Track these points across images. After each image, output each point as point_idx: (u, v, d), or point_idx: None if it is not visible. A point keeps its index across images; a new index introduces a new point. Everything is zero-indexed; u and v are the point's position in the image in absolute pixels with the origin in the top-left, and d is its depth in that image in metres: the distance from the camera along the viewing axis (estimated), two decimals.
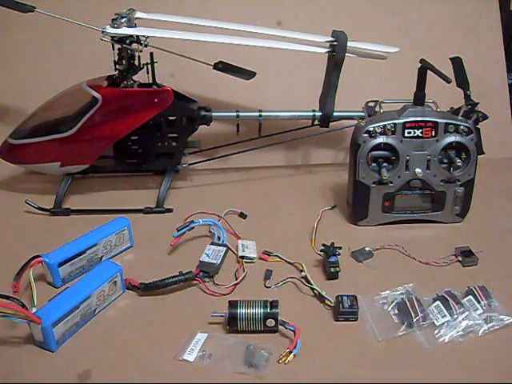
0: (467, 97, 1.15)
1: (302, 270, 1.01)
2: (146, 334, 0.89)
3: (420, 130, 1.10)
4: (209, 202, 1.26)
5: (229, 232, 1.15)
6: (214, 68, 1.27)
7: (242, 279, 1.01)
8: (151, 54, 1.23)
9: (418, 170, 1.12)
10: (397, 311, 0.92)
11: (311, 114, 1.33)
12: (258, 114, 1.32)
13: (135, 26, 1.19)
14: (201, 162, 1.37)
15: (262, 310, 0.87)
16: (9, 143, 1.24)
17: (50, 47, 1.47)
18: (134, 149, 1.31)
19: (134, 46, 1.20)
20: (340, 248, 1.03)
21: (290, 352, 0.83)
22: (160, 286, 0.96)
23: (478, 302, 0.92)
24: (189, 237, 1.12)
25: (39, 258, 0.95)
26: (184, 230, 1.07)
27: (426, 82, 1.10)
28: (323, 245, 1.04)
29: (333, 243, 1.04)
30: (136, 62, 1.25)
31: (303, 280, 1.00)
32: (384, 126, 1.10)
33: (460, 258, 1.06)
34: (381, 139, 1.11)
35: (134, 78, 1.26)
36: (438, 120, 1.10)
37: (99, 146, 1.24)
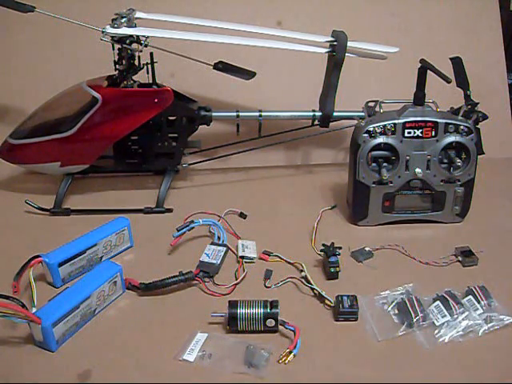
0: (467, 97, 1.15)
1: (302, 270, 1.02)
2: (146, 334, 0.89)
3: (420, 130, 1.10)
4: (209, 202, 1.26)
5: (229, 232, 1.15)
6: (213, 68, 1.27)
7: (242, 279, 1.01)
8: (151, 54, 1.23)
9: (418, 170, 1.12)
10: (397, 311, 0.92)
11: (311, 114, 1.33)
12: (258, 114, 1.32)
13: (135, 26, 1.19)
14: (201, 161, 1.37)
15: (261, 310, 0.87)
16: (9, 143, 1.24)
17: (50, 47, 1.47)
18: (134, 149, 1.31)
19: (134, 46, 1.20)
20: (340, 248, 1.03)
21: (290, 352, 0.83)
22: (160, 286, 0.96)
23: (478, 302, 0.92)
24: (189, 237, 1.12)
25: (39, 258, 0.95)
26: (184, 230, 1.07)
27: (426, 82, 1.10)
28: (323, 245, 1.04)
29: (333, 243, 1.04)
30: (136, 62, 1.25)
31: (303, 280, 1.00)
32: (384, 126, 1.10)
33: (460, 258, 1.06)
34: (381, 139, 1.11)
35: (134, 77, 1.26)
36: (438, 120, 1.10)
37: (99, 146, 1.24)
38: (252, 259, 1.06)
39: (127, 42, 1.18)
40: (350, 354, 0.85)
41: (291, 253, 1.07)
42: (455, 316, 0.89)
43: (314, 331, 0.88)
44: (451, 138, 1.11)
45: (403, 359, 0.84)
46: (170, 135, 1.29)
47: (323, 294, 0.95)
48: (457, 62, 1.16)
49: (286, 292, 0.98)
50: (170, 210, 1.26)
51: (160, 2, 1.46)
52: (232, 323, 0.87)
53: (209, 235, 1.15)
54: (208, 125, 1.32)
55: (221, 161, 1.40)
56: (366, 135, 1.11)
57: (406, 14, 1.57)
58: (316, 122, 1.35)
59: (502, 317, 0.90)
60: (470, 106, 1.14)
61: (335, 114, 1.32)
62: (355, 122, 1.17)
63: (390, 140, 1.11)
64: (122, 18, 1.17)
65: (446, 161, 1.14)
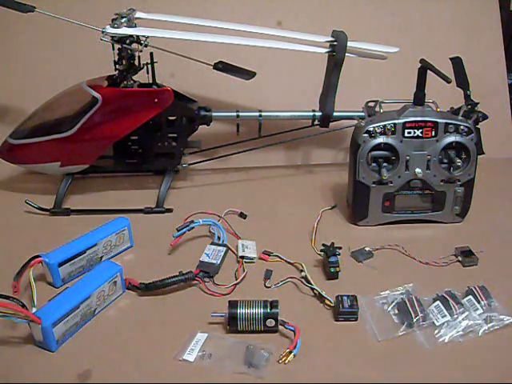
0: (467, 97, 1.15)
1: (302, 270, 1.02)
2: (146, 334, 0.89)
3: (420, 130, 1.10)
4: (209, 202, 1.26)
5: (229, 232, 1.15)
6: (213, 68, 1.27)
7: (242, 279, 1.01)
8: (151, 54, 1.23)
9: (417, 170, 1.12)
10: (397, 311, 0.92)
11: (311, 114, 1.33)
12: (258, 114, 1.32)
13: (135, 26, 1.19)
14: (201, 161, 1.37)
15: (261, 310, 0.87)
16: (9, 143, 1.24)
17: (50, 47, 1.47)
18: (134, 149, 1.31)
19: (134, 46, 1.20)
20: (340, 248, 1.03)
21: (290, 352, 0.83)
22: (160, 286, 0.96)
23: (478, 302, 0.92)
24: (189, 237, 1.12)
25: (39, 258, 0.95)
26: (184, 230, 1.07)
27: (426, 82, 1.10)
28: (323, 245, 1.04)
29: (333, 243, 1.04)
30: (136, 62, 1.25)
31: (303, 280, 1.00)
32: (384, 126, 1.10)
33: (460, 258, 1.06)
34: (381, 139, 1.11)
35: (134, 77, 1.26)
36: (438, 120, 1.10)
37: (99, 145, 1.24)
38: (252, 259, 1.06)
39: (127, 42, 1.18)
40: (349, 354, 0.85)
41: (291, 253, 1.07)
42: (455, 316, 0.89)
43: (314, 331, 0.88)
44: (451, 138, 1.11)
45: (403, 359, 0.84)
46: (170, 135, 1.29)
47: (323, 294, 0.95)
48: (457, 62, 1.16)
49: (286, 292, 0.98)
50: (170, 210, 1.26)
51: (160, 2, 1.46)
52: (232, 323, 0.87)
53: (209, 235, 1.15)
54: (208, 125, 1.32)
55: (221, 161, 1.40)
56: (365, 135, 1.11)
57: (406, 14, 1.57)
58: (316, 122, 1.35)
59: (502, 317, 0.90)
60: (470, 106, 1.14)
61: (335, 114, 1.32)
62: (355, 121, 1.16)
63: (389, 140, 1.11)
64: (122, 17, 1.17)
65: (445, 161, 1.14)
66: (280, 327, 0.88)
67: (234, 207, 1.24)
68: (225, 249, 1.08)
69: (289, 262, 1.05)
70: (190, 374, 0.81)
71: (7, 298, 0.83)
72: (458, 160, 1.11)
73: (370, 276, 1.02)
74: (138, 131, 1.25)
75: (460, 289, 0.95)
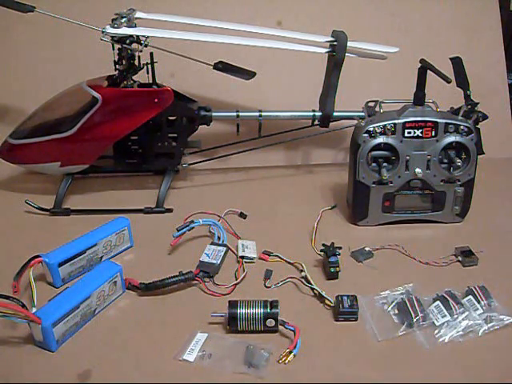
0: (467, 97, 1.15)
1: (302, 270, 1.02)
2: (146, 334, 0.89)
3: (420, 130, 1.10)
4: (209, 202, 1.26)
5: (229, 232, 1.15)
6: (213, 68, 1.27)
7: (242, 279, 1.00)
8: (151, 54, 1.23)
9: (418, 170, 1.12)
10: (397, 311, 0.92)
11: (311, 114, 1.33)
12: (258, 114, 1.32)
13: (135, 26, 1.19)
14: (201, 161, 1.37)
15: (261, 310, 0.87)
16: (9, 143, 1.24)
17: (50, 47, 1.47)
18: (134, 149, 1.31)
19: (134, 46, 1.20)
20: (340, 248, 1.03)
21: (290, 352, 0.83)
22: (160, 286, 0.96)
23: (478, 302, 0.92)
24: (189, 237, 1.12)
25: (39, 258, 0.95)
26: (184, 229, 1.07)
27: (426, 82, 1.10)
28: (323, 245, 1.04)
29: (333, 243, 1.04)
30: (136, 62, 1.24)
31: (303, 280, 1.00)
32: (384, 126, 1.10)
33: (460, 258, 1.06)
34: (381, 139, 1.11)
35: (134, 77, 1.26)
36: (438, 120, 1.10)
37: (99, 146, 1.24)
38: (252, 259, 1.06)
39: (127, 42, 1.18)
40: (349, 354, 0.85)
41: (291, 253, 1.07)
42: (455, 316, 0.89)
43: (314, 331, 0.88)
44: (451, 138, 1.11)
45: (403, 359, 0.84)
46: (170, 135, 1.29)
47: (323, 294, 0.95)
48: (457, 62, 1.16)
49: (286, 292, 0.98)
50: (170, 210, 1.26)
51: (160, 2, 1.46)
52: (232, 323, 0.87)
53: (209, 235, 1.15)
54: (208, 125, 1.32)
55: (221, 161, 1.40)
56: (366, 135, 1.11)
57: (406, 14, 1.57)
58: (316, 122, 1.35)
59: (502, 317, 0.90)
60: (469, 106, 1.14)
61: (335, 114, 1.32)
62: (355, 121, 1.16)
63: (389, 140, 1.11)
64: (122, 17, 1.17)
65: (446, 161, 1.14)
66: (280, 327, 0.88)
67: (234, 207, 1.24)
68: (225, 249, 1.08)
69: (289, 262, 1.05)
70: (190, 373, 0.81)
71: (7, 297, 0.83)
72: (458, 160, 1.11)
73: (370, 276, 1.02)
74: (138, 131, 1.25)
75: (460, 289, 0.95)
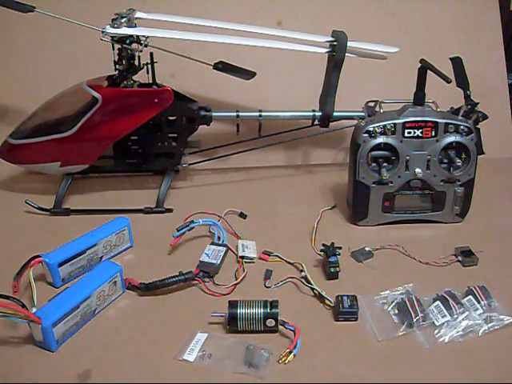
0: (467, 97, 1.15)
1: (302, 270, 1.02)
2: (146, 334, 0.89)
3: (420, 130, 1.10)
4: (209, 202, 1.26)
5: (229, 232, 1.15)
6: (213, 68, 1.27)
7: (242, 279, 1.01)
8: (151, 54, 1.23)
9: (418, 170, 1.12)
10: (397, 311, 0.92)
11: (311, 114, 1.33)
12: (258, 114, 1.32)
13: (135, 26, 1.19)
14: (201, 161, 1.37)
15: (261, 310, 0.87)
16: (9, 143, 1.24)
17: (50, 47, 1.47)
18: (134, 149, 1.31)
19: (134, 46, 1.20)
20: (340, 248, 1.03)
21: (290, 352, 0.83)
22: (160, 286, 0.96)
23: (478, 302, 0.92)
24: (189, 237, 1.12)
25: (39, 258, 0.95)
26: (184, 229, 1.07)
27: (426, 82, 1.10)
28: (323, 245, 1.04)
29: (333, 243, 1.04)
30: (136, 62, 1.24)
31: (303, 280, 1.00)
32: (384, 126, 1.10)
33: (460, 258, 1.06)
34: (381, 139, 1.11)
35: (134, 77, 1.26)
36: (438, 120, 1.10)
37: (99, 146, 1.24)
38: (252, 259, 1.06)
39: (127, 41, 1.18)
40: (350, 354, 0.85)
41: (291, 253, 1.07)
42: (455, 316, 0.89)
43: (314, 331, 0.88)
44: (451, 138, 1.11)
45: (403, 359, 0.84)
46: (170, 135, 1.29)
47: (323, 294, 0.95)
48: (457, 62, 1.16)
49: (286, 292, 0.98)
50: (170, 210, 1.26)
51: (160, 2, 1.46)
52: (232, 323, 0.87)
53: (209, 235, 1.15)
54: (208, 125, 1.32)
55: (221, 161, 1.40)
56: (366, 135, 1.11)
57: (406, 14, 1.57)
58: (316, 122, 1.35)
59: (502, 317, 0.90)
60: (469, 106, 1.14)
61: (335, 114, 1.32)
62: (355, 121, 1.17)
63: (390, 140, 1.11)
64: (122, 17, 1.17)
65: (446, 161, 1.14)
66: (280, 327, 0.88)
67: (234, 207, 1.24)
68: (225, 249, 1.08)
69: (289, 262, 1.05)
70: (190, 373, 0.81)
71: (7, 297, 0.83)
72: (458, 160, 1.11)
73: (370, 276, 1.02)
74: (138, 131, 1.25)
75: (460, 289, 0.95)
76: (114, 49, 1.20)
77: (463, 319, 0.89)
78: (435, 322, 0.89)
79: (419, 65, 1.09)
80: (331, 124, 1.35)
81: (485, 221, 1.20)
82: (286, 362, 0.82)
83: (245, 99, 1.47)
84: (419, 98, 1.11)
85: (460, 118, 1.12)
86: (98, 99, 1.19)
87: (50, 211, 1.24)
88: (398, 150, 1.11)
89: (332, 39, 1.25)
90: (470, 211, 1.18)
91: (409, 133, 1.11)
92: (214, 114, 1.30)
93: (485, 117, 1.16)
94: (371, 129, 1.11)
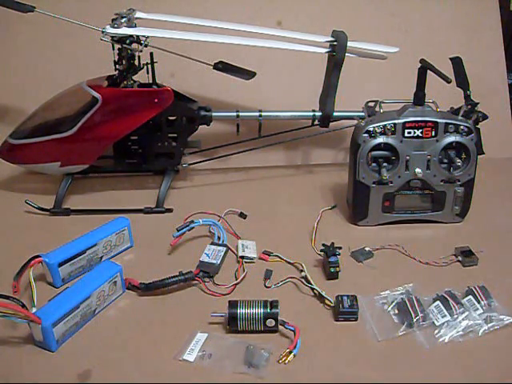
0: (467, 97, 1.15)
1: (302, 270, 1.02)
2: (146, 334, 0.89)
3: (420, 130, 1.10)
4: (209, 202, 1.26)
5: (229, 232, 1.15)
6: (213, 68, 1.27)
7: (242, 279, 1.00)
8: (151, 54, 1.23)
9: (418, 170, 1.12)
10: (397, 311, 0.92)
11: (311, 114, 1.33)
12: (258, 114, 1.32)
13: (135, 26, 1.19)
14: (201, 161, 1.37)
15: (261, 310, 0.87)
16: (9, 143, 1.24)
17: (50, 47, 1.47)
18: (134, 149, 1.31)
19: (134, 46, 1.20)
20: (340, 248, 1.03)
21: (290, 352, 0.83)
22: (160, 286, 0.96)
23: (478, 302, 0.92)
24: (189, 237, 1.12)
25: (39, 258, 0.95)
26: (184, 229, 1.07)
27: (426, 82, 1.10)
28: (323, 245, 1.04)
29: (333, 243, 1.04)
30: (136, 62, 1.24)
31: (303, 280, 1.00)
32: (384, 126, 1.10)
33: (460, 258, 1.06)
34: (381, 139, 1.11)
35: (134, 77, 1.26)
36: (438, 120, 1.10)
37: (99, 146, 1.24)
38: (252, 259, 1.06)
39: (127, 41, 1.18)
40: (350, 354, 0.85)
41: (291, 253, 1.07)
42: (455, 316, 0.89)
43: (314, 331, 0.88)
44: (451, 138, 1.11)
45: (403, 359, 0.84)
46: (170, 135, 1.29)
47: (323, 294, 0.95)
48: (457, 62, 1.16)
49: (286, 292, 0.98)
50: (170, 210, 1.26)
51: (160, 2, 1.46)
52: (232, 323, 0.87)
53: (209, 235, 1.15)
54: (208, 125, 1.32)
55: (221, 161, 1.40)
56: (365, 135, 1.11)
57: (406, 14, 1.57)
58: (316, 122, 1.35)
59: (502, 317, 0.90)
60: (469, 106, 1.14)
61: (335, 114, 1.32)
62: (355, 121, 1.16)
63: (390, 140, 1.11)
64: (122, 17, 1.17)
65: (446, 161, 1.14)
66: (280, 327, 0.88)
67: (234, 207, 1.24)
68: (225, 249, 1.08)
69: (289, 262, 1.05)
70: (190, 374, 0.81)
71: (7, 297, 0.83)
72: (458, 160, 1.11)
73: (370, 276, 1.02)
74: (138, 131, 1.25)
75: (460, 289, 0.95)
76: (114, 49, 1.20)
77: (463, 319, 0.89)
78: (435, 321, 0.89)
79: (419, 65, 1.09)
80: (331, 124, 1.35)
81: (485, 221, 1.20)
82: (286, 361, 0.82)
83: (245, 99, 1.47)
84: (419, 98, 1.11)
85: (460, 117, 1.12)
86: (98, 99, 1.19)
87: (50, 211, 1.24)
88: (398, 150, 1.11)
89: (332, 39, 1.25)
90: (470, 211, 1.18)
91: (409, 133, 1.11)
92: (214, 114, 1.30)
93: (485, 117, 1.16)
94: (371, 129, 1.11)
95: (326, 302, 0.94)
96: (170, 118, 1.28)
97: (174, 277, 0.97)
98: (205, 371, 0.81)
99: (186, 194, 1.35)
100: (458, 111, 1.13)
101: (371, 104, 1.20)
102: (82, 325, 0.90)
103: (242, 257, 1.06)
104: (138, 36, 1.20)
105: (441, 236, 1.15)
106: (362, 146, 1.12)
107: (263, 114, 1.32)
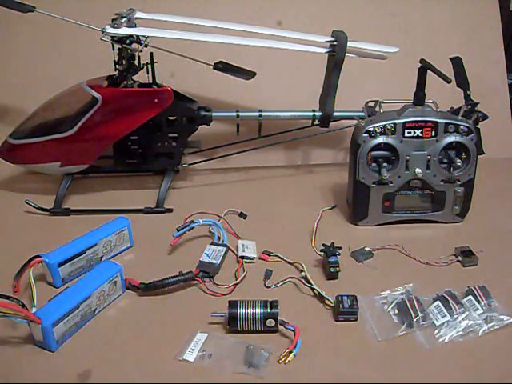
0: (467, 97, 1.15)
1: (302, 270, 1.02)
2: (146, 334, 0.89)
3: (420, 130, 1.10)
4: (209, 202, 1.26)
5: (229, 232, 1.15)
6: (213, 68, 1.27)
7: (242, 279, 1.00)
8: (151, 54, 1.23)
9: (418, 170, 1.12)
10: (397, 311, 0.92)
11: (311, 114, 1.33)
12: (258, 114, 1.32)
13: (135, 26, 1.19)
14: (201, 161, 1.37)
15: (261, 310, 0.87)
16: (9, 143, 1.24)
17: (50, 47, 1.47)
18: (134, 149, 1.31)
19: (134, 46, 1.20)
20: (340, 248, 1.03)
21: (290, 352, 0.83)
22: (160, 286, 0.96)
23: (478, 302, 0.92)
24: (189, 237, 1.12)
25: (39, 258, 0.95)
26: (184, 229, 1.07)
27: (426, 82, 1.10)
28: (323, 245, 1.04)
29: (333, 243, 1.04)
30: (136, 62, 1.24)
31: (303, 280, 1.00)
32: (384, 125, 1.10)
33: (460, 258, 1.06)
34: (381, 139, 1.11)
35: (134, 77, 1.26)
36: (438, 120, 1.10)
37: (99, 146, 1.24)
38: (252, 259, 1.06)
39: (127, 42, 1.18)
40: (350, 354, 0.85)
41: (291, 253, 1.07)
42: (455, 316, 0.89)
43: (314, 331, 0.88)
44: (451, 138, 1.11)
45: (403, 359, 0.84)
46: (170, 135, 1.29)
47: (323, 294, 0.95)
48: (457, 62, 1.16)
49: (286, 292, 0.98)
50: (170, 210, 1.26)
51: (160, 2, 1.46)
52: (232, 323, 0.87)
53: (209, 235, 1.15)
54: (208, 125, 1.32)
55: (221, 161, 1.40)
56: (365, 135, 1.11)
57: (406, 14, 1.57)
58: (316, 122, 1.35)
59: (502, 317, 0.90)
60: (470, 106, 1.14)
61: (335, 114, 1.32)
62: (355, 121, 1.16)
63: (390, 140, 1.11)
64: (122, 17, 1.17)
65: (446, 161, 1.14)
66: (280, 327, 0.88)
67: (234, 207, 1.24)
68: (225, 249, 1.08)
69: (289, 262, 1.05)
70: (190, 374, 0.81)
71: (7, 297, 0.83)
72: (458, 160, 1.11)
73: (370, 276, 1.02)
74: (138, 131, 1.25)
75: (460, 289, 0.95)
76: (114, 49, 1.20)
77: (463, 319, 0.89)
78: (435, 322, 0.89)
79: (419, 65, 1.09)
80: (331, 124, 1.35)
81: (485, 221, 1.20)
82: (286, 362, 0.82)
83: (245, 99, 1.47)
84: (419, 98, 1.11)
85: (460, 118, 1.12)
86: (98, 99, 1.19)
87: (50, 211, 1.24)
88: (398, 150, 1.11)
89: (332, 39, 1.25)
90: (470, 211, 1.18)
91: (409, 133, 1.11)
92: (214, 114, 1.30)
93: (485, 117, 1.16)
94: (371, 129, 1.11)
95: (326, 301, 0.94)
96: (170, 118, 1.28)
97: (173, 277, 0.97)
98: (205, 371, 0.81)
99: (186, 193, 1.35)
100: (458, 111, 1.13)
101: (371, 104, 1.20)
102: (82, 325, 0.90)
103: (242, 257, 1.06)
104: (137, 36, 1.20)
105: (441, 236, 1.15)
106: (362, 145, 1.12)
107: (263, 114, 1.32)
